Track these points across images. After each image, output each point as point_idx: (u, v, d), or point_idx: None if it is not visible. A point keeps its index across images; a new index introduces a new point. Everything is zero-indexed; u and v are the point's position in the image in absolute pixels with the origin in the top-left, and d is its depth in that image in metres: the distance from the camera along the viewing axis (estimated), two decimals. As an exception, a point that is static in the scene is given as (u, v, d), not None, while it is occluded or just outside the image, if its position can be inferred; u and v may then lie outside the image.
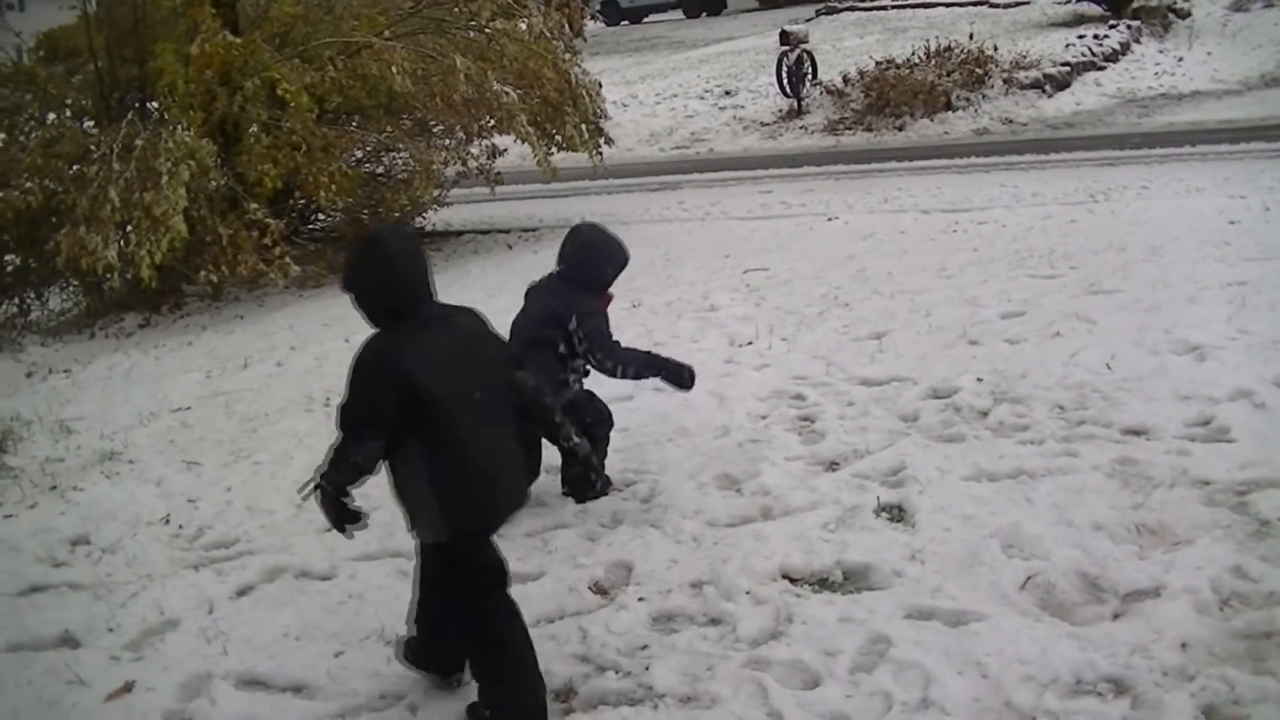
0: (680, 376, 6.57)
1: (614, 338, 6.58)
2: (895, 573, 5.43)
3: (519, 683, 4.54)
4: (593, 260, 6.61)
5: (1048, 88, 22.90)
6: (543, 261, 12.98)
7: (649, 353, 6.73)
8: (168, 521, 6.97)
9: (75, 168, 12.93)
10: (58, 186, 12.79)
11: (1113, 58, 24.94)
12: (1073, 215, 12.87)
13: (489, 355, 4.60)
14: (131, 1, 14.30)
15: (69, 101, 14.76)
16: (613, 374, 6.53)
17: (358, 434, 4.28)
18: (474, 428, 4.37)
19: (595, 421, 6.68)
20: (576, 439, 5.45)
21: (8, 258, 14.28)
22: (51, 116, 14.56)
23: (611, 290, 6.77)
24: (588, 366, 6.60)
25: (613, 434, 7.41)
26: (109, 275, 12.04)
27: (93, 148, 12.91)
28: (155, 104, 14.05)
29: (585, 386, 6.74)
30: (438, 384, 4.26)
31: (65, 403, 10.08)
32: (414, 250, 4.51)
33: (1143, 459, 6.28)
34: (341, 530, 4.46)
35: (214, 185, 12.82)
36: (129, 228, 12.05)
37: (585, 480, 6.63)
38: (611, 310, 6.71)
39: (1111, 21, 27.26)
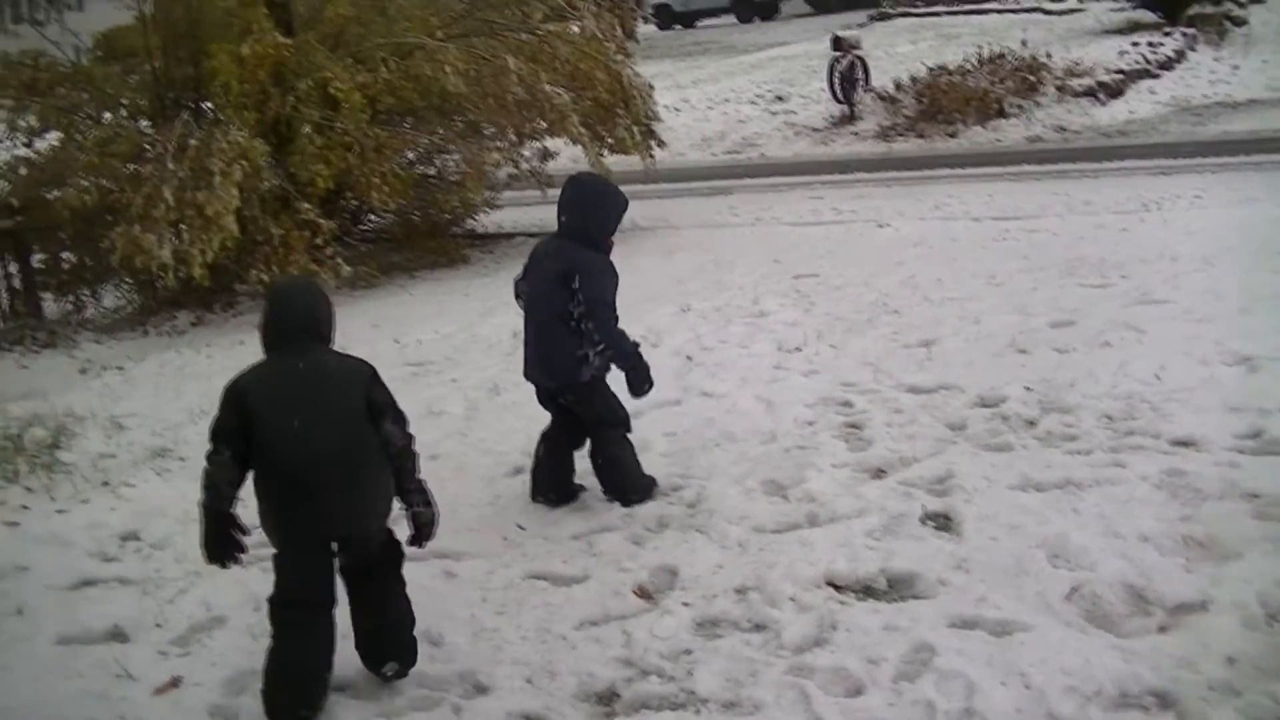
0: (640, 384, 6.49)
1: (617, 311, 6.41)
2: (940, 581, 5.41)
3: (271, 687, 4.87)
4: (598, 207, 6.47)
5: (1101, 95, 22.77)
6: (592, 264, 13.07)
7: (637, 347, 6.50)
8: (217, 519, 7.01)
9: (130, 167, 13.06)
10: (113, 185, 12.91)
11: (1167, 65, 24.75)
12: (1124, 224, 12.79)
13: (343, 400, 4.86)
14: (187, 2, 14.43)
15: (125, 101, 14.90)
16: (593, 347, 6.39)
17: (215, 444, 4.75)
18: (291, 455, 4.71)
19: (608, 422, 6.65)
20: (421, 508, 5.18)
21: (64, 255, 14.44)
22: (108, 116, 14.70)
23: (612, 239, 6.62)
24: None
25: (660, 438, 7.44)
26: (163, 274, 12.13)
27: (148, 147, 13.02)
28: (209, 104, 14.16)
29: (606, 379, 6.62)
30: (267, 408, 4.72)
31: (118, 399, 10.16)
32: (299, 301, 5.04)
33: (1192, 470, 6.23)
34: (219, 560, 4.83)
35: (266, 185, 12.90)
36: (182, 226, 12.13)
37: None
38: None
39: (1166, 29, 27.07)
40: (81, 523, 7.23)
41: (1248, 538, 5.49)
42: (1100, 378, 7.80)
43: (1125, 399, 7.37)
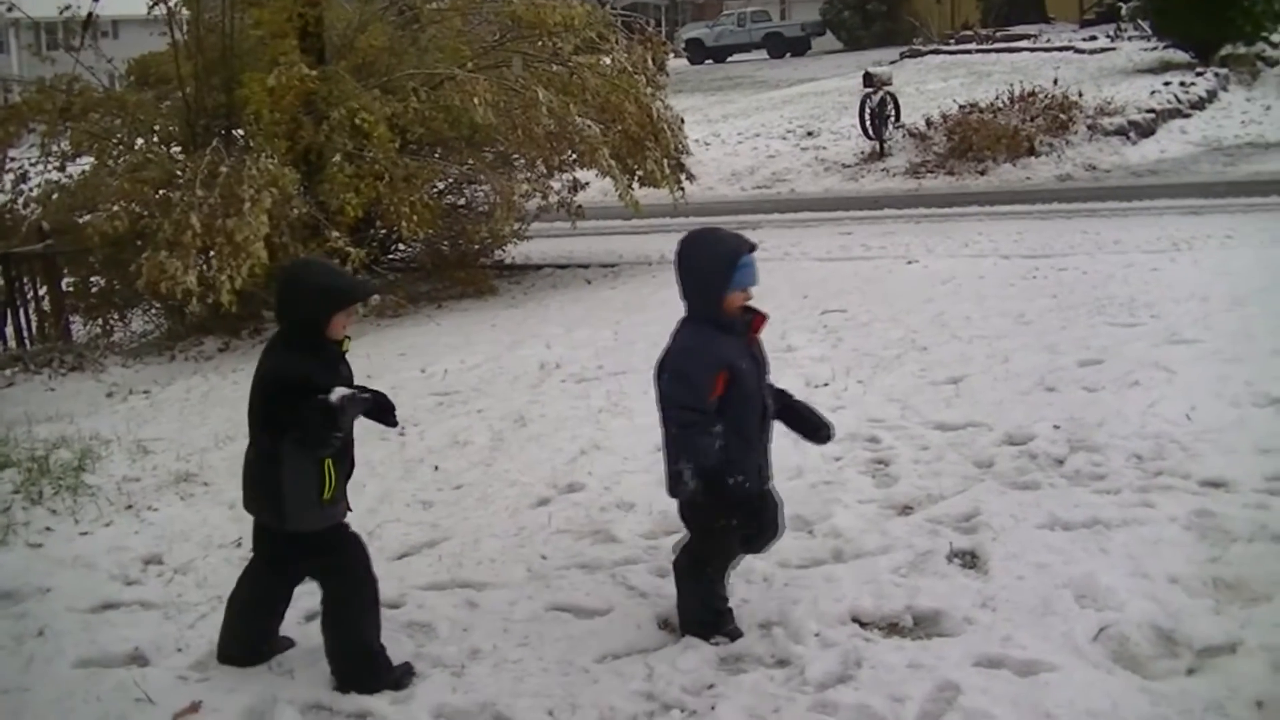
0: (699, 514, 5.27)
1: (704, 406, 5.06)
2: (966, 620, 5.36)
3: None
4: (688, 268, 5.25)
5: (1132, 134, 22.79)
6: (620, 297, 13.14)
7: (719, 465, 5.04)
8: (239, 544, 6.98)
9: (161, 193, 13.11)
10: (143, 211, 12.97)
11: (1199, 105, 24.81)
12: (1155, 263, 12.74)
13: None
14: (220, 30, 14.51)
15: (157, 128, 14.97)
16: (687, 461, 5.05)
17: None
18: None
19: (689, 569, 5.48)
20: None
21: (93, 279, 14.50)
22: (140, 142, 14.76)
23: (746, 293, 5.33)
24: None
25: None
26: (187, 300, 12.15)
27: (179, 174, 13.08)
28: (241, 132, 14.21)
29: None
30: None
31: (143, 423, 10.18)
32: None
33: (1221, 512, 6.17)
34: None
35: (296, 213, 12.95)
36: (211, 253, 12.17)
37: None
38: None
39: (1199, 69, 27.11)
40: (105, 546, 7.22)
41: (1277, 580, 5.44)
42: (1129, 417, 7.74)
43: (1154, 439, 7.30)
